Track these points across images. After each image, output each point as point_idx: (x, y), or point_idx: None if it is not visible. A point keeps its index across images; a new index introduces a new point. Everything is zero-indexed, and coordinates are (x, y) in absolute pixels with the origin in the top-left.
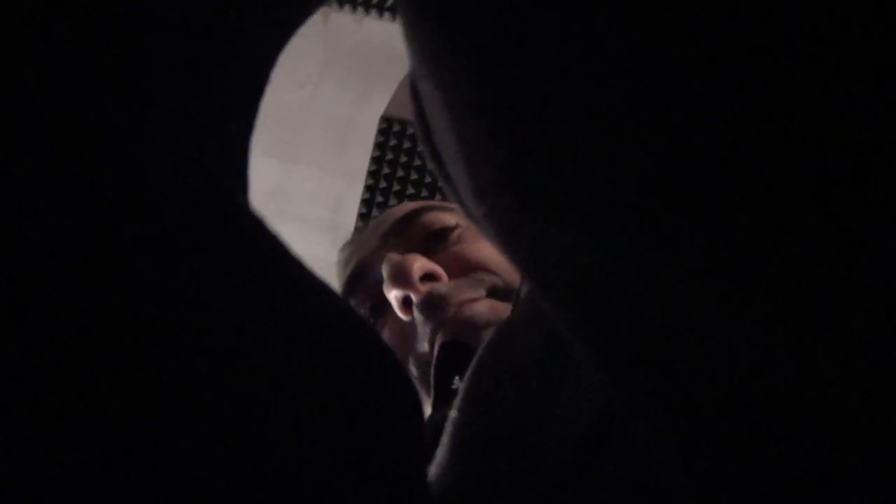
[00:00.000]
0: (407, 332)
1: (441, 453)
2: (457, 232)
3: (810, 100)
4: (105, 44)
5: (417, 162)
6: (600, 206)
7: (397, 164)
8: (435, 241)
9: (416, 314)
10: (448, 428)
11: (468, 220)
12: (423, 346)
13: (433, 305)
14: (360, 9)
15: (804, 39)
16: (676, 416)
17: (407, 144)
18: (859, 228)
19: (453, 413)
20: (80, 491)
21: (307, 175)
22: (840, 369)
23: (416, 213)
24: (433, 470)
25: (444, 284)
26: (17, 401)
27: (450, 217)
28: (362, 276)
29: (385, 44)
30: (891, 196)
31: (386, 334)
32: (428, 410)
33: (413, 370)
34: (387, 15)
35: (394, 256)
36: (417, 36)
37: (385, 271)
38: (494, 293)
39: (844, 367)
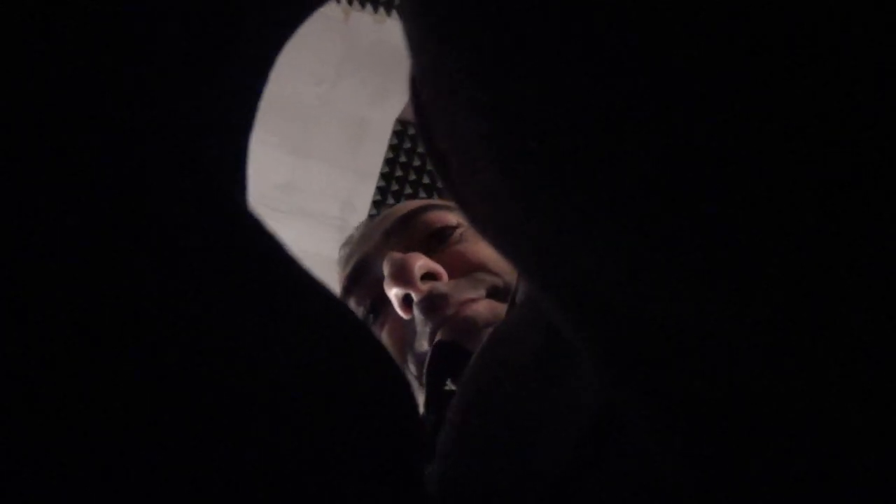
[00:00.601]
0: (407, 330)
1: (439, 453)
2: (458, 231)
3: (810, 100)
4: (105, 44)
5: (430, 166)
6: (600, 206)
7: (410, 166)
8: (436, 241)
9: (417, 313)
10: (446, 428)
11: (468, 220)
12: (423, 346)
13: (433, 305)
14: (381, 9)
15: (804, 39)
16: (677, 415)
17: (421, 148)
18: (859, 229)
19: (451, 414)
20: (81, 491)
21: (320, 172)
22: (840, 369)
23: (418, 211)
24: (431, 470)
25: (444, 284)
26: (17, 401)
27: (451, 216)
28: (363, 273)
29: (404, 45)
30: (891, 196)
31: (386, 332)
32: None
33: (412, 369)
34: None
35: (395, 255)
36: (418, 35)
37: (386, 269)
38: (495, 293)
39: (844, 367)
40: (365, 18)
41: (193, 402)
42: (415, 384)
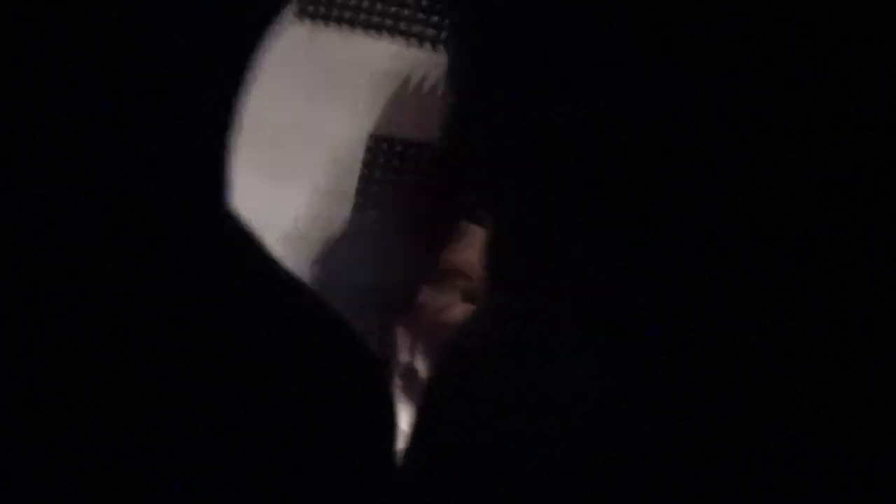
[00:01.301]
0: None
1: (415, 438)
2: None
3: (809, 100)
4: (105, 44)
5: (408, 180)
6: (601, 207)
7: (385, 182)
8: None
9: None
10: (420, 417)
11: (470, 224)
12: (405, 356)
13: (410, 313)
14: (345, 26)
15: (804, 40)
16: (676, 413)
17: (395, 163)
18: (859, 229)
19: (421, 406)
20: (80, 490)
21: (293, 193)
22: (840, 369)
23: None
24: (407, 457)
25: (419, 292)
26: (17, 400)
27: None
28: None
29: (372, 62)
30: (890, 196)
31: None
32: (405, 418)
33: (396, 379)
34: (373, 33)
35: None
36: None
37: None
38: (470, 298)
39: (844, 367)
40: (332, 36)
41: (190, 402)
42: (399, 395)
